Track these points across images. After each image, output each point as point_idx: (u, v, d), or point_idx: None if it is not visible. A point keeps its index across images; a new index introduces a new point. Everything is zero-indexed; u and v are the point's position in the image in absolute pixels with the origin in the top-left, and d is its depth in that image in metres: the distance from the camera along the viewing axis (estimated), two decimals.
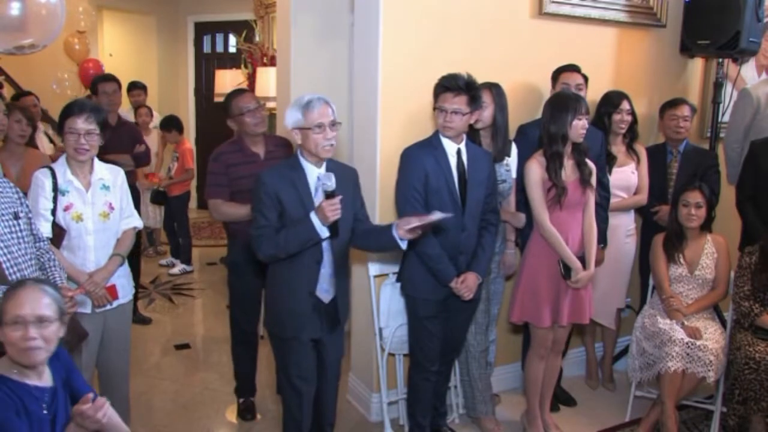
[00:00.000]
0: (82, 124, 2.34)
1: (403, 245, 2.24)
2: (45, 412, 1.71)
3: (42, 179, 2.37)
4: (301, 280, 2.29)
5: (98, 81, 4.15)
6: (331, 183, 2.18)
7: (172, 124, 5.55)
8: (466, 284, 2.54)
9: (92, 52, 6.82)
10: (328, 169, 2.26)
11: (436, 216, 2.16)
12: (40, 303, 1.69)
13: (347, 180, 2.34)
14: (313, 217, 2.17)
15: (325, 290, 2.33)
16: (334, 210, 2.15)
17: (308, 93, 2.26)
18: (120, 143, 4.02)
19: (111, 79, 4.18)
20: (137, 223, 2.63)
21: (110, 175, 2.52)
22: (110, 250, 2.48)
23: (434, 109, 2.52)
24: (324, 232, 2.18)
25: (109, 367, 2.59)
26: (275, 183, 2.20)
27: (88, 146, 2.37)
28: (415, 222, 2.18)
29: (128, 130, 4.29)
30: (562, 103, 2.63)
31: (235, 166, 2.92)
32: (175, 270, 5.52)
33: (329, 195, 2.18)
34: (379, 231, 2.33)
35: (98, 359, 2.54)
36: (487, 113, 2.78)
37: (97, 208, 2.43)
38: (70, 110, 2.37)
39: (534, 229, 2.74)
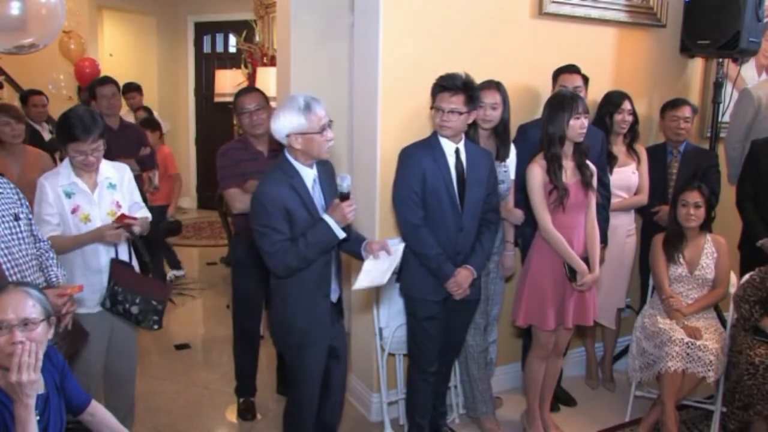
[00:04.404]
0: (88, 146, 2.32)
1: (365, 258, 2.30)
2: (38, 419, 1.67)
3: (45, 184, 2.36)
4: (315, 286, 2.25)
5: (96, 84, 3.98)
6: (347, 185, 2.17)
7: (148, 124, 5.05)
8: (455, 280, 2.53)
9: (92, 51, 6.83)
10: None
11: (397, 247, 2.34)
12: (25, 305, 1.64)
13: (330, 176, 2.32)
14: (329, 219, 2.15)
15: (334, 290, 2.34)
16: (352, 211, 2.17)
17: (298, 94, 2.20)
18: (125, 147, 3.88)
19: (108, 81, 3.98)
20: (147, 214, 2.60)
21: (116, 173, 2.52)
22: (121, 249, 2.47)
23: (432, 108, 2.52)
24: (341, 234, 2.17)
25: (116, 368, 2.59)
26: (280, 193, 2.12)
27: (95, 158, 2.37)
28: (379, 247, 2.30)
29: (132, 133, 4.12)
30: (559, 103, 2.63)
31: (241, 161, 2.94)
32: (169, 275, 5.31)
33: (344, 197, 2.17)
34: (355, 236, 2.35)
35: (105, 360, 2.54)
36: (497, 113, 2.78)
37: (104, 207, 2.43)
38: (75, 135, 2.29)
39: (537, 232, 2.74)
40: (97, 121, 2.35)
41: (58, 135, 2.39)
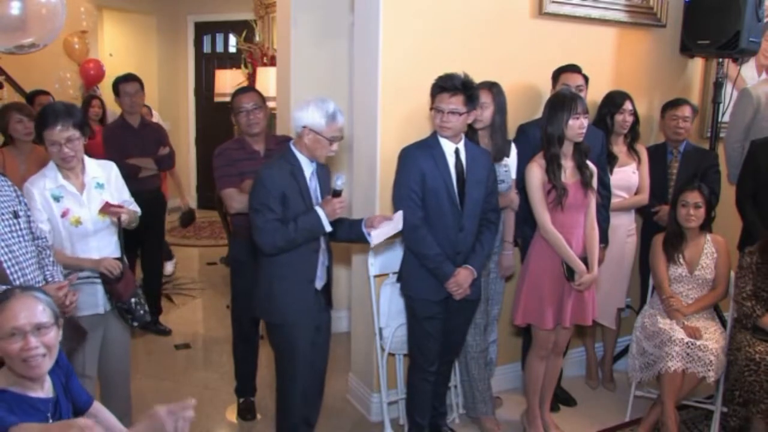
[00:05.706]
0: (59, 134, 2.26)
1: (370, 239, 2.44)
2: (50, 422, 1.67)
3: (31, 190, 2.32)
4: (301, 270, 2.40)
5: (119, 81, 3.98)
6: (341, 183, 2.34)
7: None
8: (455, 280, 2.53)
9: (92, 51, 6.82)
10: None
11: (398, 214, 2.44)
12: (35, 310, 1.63)
13: (326, 176, 2.49)
14: (320, 211, 2.32)
15: (319, 278, 2.47)
16: (341, 208, 2.34)
17: (331, 101, 2.33)
18: (144, 146, 3.89)
19: (132, 79, 3.97)
20: (137, 209, 2.59)
21: (103, 172, 2.49)
22: (113, 248, 2.47)
23: (431, 109, 2.52)
24: (328, 227, 2.34)
25: (110, 370, 2.59)
26: (281, 177, 2.30)
27: (73, 152, 2.31)
28: (380, 219, 2.45)
29: (152, 131, 4.08)
30: (559, 102, 2.64)
31: (238, 161, 2.94)
32: (169, 269, 5.30)
33: (337, 194, 2.34)
34: (350, 223, 2.52)
35: (99, 360, 2.53)
36: (487, 113, 2.78)
37: (94, 209, 2.40)
38: (45, 121, 2.28)
39: (536, 231, 2.74)
40: (72, 112, 2.32)
41: (35, 130, 2.38)
